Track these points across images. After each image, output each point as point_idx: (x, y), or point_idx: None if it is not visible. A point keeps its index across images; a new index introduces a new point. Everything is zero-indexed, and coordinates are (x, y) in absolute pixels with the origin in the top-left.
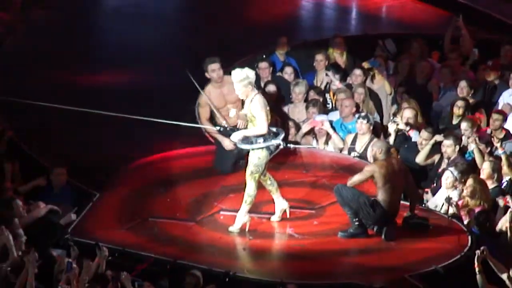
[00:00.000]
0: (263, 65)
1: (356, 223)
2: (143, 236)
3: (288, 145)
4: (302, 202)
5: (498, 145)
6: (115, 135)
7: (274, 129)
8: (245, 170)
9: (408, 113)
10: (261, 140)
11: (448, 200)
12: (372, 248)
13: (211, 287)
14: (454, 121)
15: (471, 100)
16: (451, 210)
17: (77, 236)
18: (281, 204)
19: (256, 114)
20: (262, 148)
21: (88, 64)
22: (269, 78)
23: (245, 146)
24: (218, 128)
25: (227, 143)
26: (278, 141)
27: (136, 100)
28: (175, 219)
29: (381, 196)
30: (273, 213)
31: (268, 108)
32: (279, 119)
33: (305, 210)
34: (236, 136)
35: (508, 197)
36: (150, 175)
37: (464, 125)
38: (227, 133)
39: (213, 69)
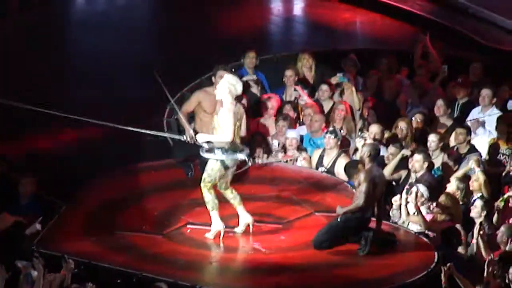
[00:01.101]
0: None
1: (362, 241)
2: (109, 248)
3: (256, 160)
4: (269, 216)
5: (470, 163)
6: (82, 147)
7: (239, 146)
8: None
9: (375, 129)
10: (219, 152)
11: (407, 191)
12: (339, 264)
13: None
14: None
15: (448, 120)
16: (410, 200)
17: (43, 247)
18: (245, 218)
19: (224, 122)
20: (216, 160)
21: (56, 75)
22: None
23: (202, 154)
24: (183, 137)
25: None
26: (238, 156)
27: (105, 112)
28: (141, 232)
29: (360, 202)
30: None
31: (239, 122)
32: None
33: (272, 225)
34: (201, 138)
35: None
36: (118, 188)
37: (432, 137)
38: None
39: (221, 76)
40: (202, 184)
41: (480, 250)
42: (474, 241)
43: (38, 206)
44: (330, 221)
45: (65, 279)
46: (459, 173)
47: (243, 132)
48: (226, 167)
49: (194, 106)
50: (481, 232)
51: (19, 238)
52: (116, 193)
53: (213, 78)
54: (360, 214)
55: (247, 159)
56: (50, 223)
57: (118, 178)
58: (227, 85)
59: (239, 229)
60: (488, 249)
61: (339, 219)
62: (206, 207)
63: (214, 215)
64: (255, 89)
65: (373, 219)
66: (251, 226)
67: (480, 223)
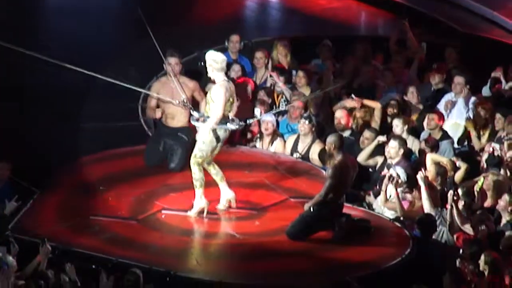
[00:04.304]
0: None
1: (336, 227)
2: (84, 234)
3: (248, 121)
4: (244, 202)
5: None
6: (57, 132)
7: (230, 118)
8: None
9: (339, 114)
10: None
11: (389, 177)
12: (313, 250)
13: (149, 287)
14: (389, 120)
15: (421, 106)
16: (390, 188)
17: (17, 233)
18: (226, 194)
19: (216, 97)
20: (208, 131)
21: (31, 62)
22: None
23: (195, 123)
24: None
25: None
26: (229, 126)
27: (80, 98)
28: (116, 217)
29: (321, 196)
30: (215, 213)
31: (232, 98)
32: None
33: (247, 210)
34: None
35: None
36: (92, 174)
37: (395, 121)
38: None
39: (170, 63)
40: (192, 160)
41: (453, 219)
42: (448, 206)
43: (10, 191)
44: (302, 211)
45: (40, 264)
46: (436, 157)
47: (234, 109)
48: (217, 139)
49: (156, 99)
50: (455, 198)
51: None
52: (89, 180)
53: (164, 66)
54: (332, 201)
55: (237, 128)
56: (24, 209)
57: (91, 165)
58: (208, 61)
59: (221, 205)
60: (461, 217)
61: (311, 209)
62: (180, 192)
63: (200, 192)
64: (234, 73)
65: (346, 204)
66: (232, 202)
67: (454, 190)
